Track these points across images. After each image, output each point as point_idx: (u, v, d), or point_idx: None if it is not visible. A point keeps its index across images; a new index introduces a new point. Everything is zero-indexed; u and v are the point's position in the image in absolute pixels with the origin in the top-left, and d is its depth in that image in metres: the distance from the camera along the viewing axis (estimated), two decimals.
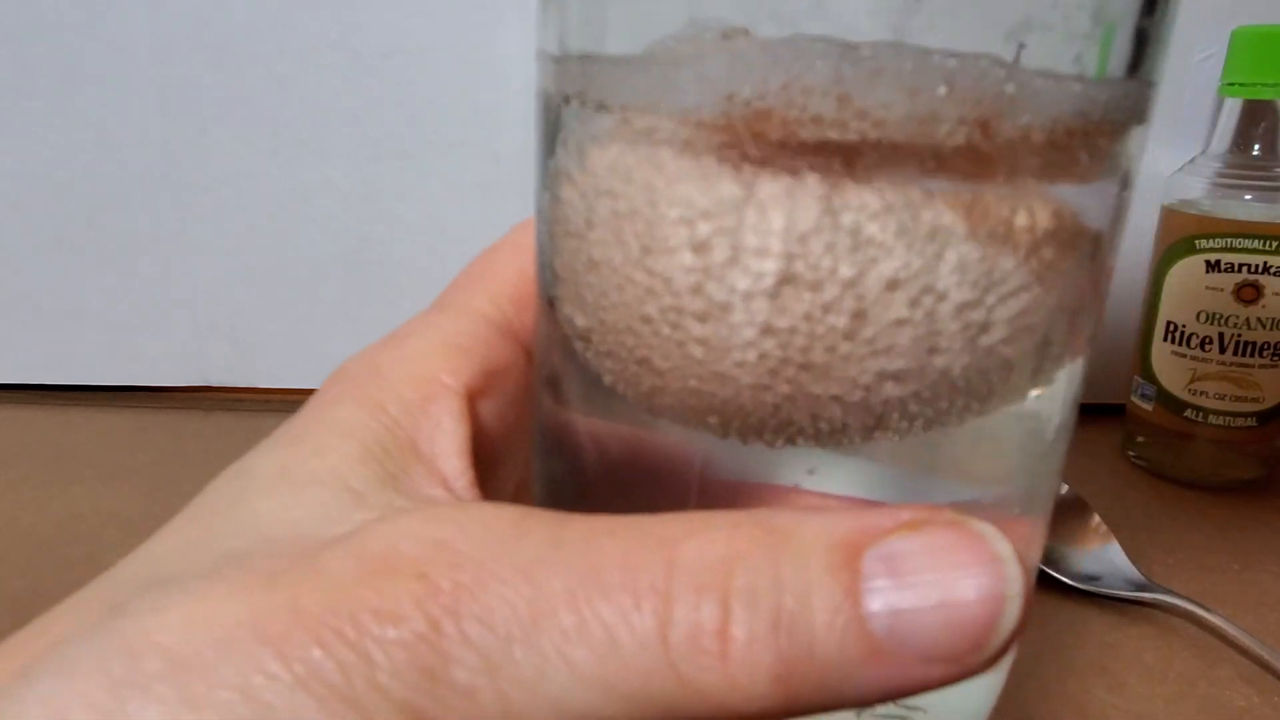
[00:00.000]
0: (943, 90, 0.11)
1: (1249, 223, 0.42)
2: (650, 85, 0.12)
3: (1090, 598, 0.36)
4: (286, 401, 0.43)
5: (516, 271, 0.17)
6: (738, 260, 0.12)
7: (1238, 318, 0.43)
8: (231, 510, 0.14)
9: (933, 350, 0.12)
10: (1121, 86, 0.12)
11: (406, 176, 0.50)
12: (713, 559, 0.11)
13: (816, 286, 0.11)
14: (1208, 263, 0.43)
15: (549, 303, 0.14)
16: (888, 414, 0.12)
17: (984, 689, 0.15)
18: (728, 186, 0.12)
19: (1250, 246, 0.42)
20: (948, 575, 0.10)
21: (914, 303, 0.12)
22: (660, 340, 0.12)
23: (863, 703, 0.11)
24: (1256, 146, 0.43)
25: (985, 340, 0.12)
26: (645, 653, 0.11)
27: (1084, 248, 0.13)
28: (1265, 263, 0.42)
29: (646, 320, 0.12)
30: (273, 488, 0.14)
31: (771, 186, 0.11)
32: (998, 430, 0.14)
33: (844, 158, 0.11)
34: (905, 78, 0.11)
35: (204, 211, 0.50)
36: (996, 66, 0.11)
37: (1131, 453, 0.49)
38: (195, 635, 0.11)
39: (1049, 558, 0.38)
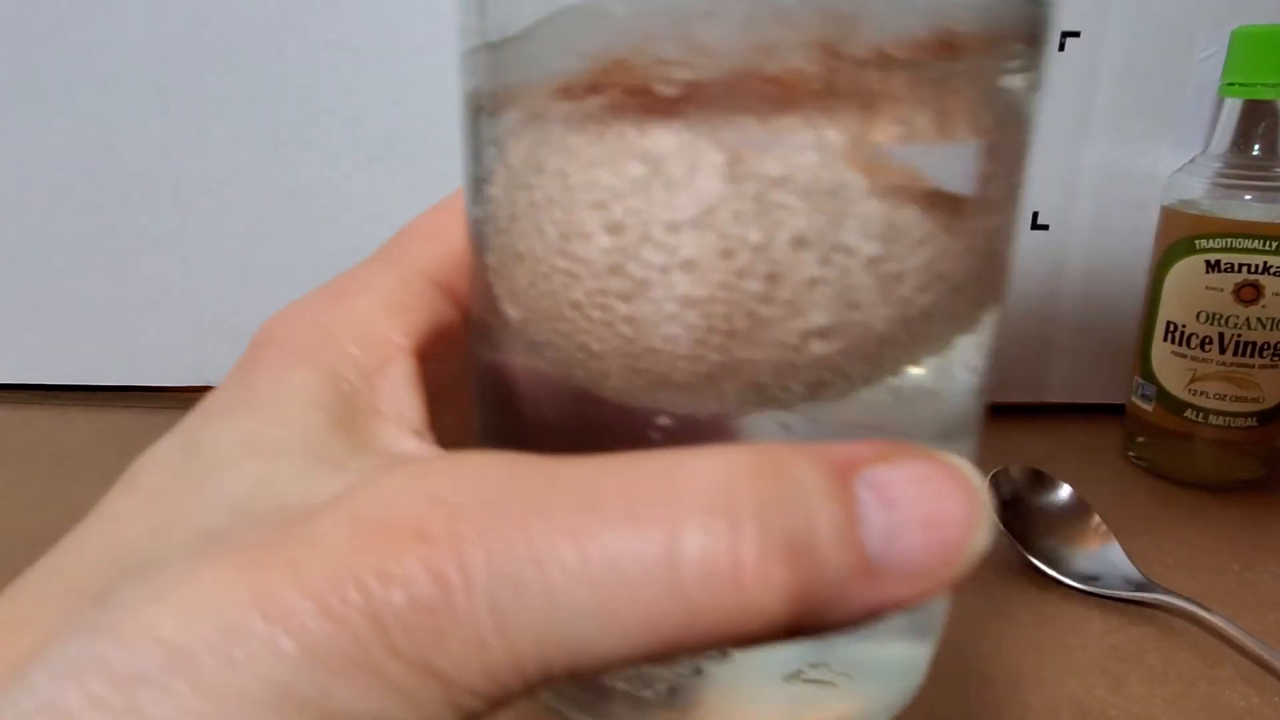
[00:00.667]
0: (784, 10, 0.11)
1: (1249, 223, 0.42)
2: (519, 61, 0.13)
3: (1090, 598, 0.36)
4: None
5: (458, 232, 0.16)
6: (650, 237, 0.12)
7: (1238, 318, 0.43)
8: (197, 486, 0.13)
9: (852, 305, 0.12)
10: (994, 6, 0.12)
11: (406, 176, 0.50)
12: (716, 483, 0.11)
13: (728, 255, 0.12)
14: (1208, 263, 0.43)
15: (485, 285, 0.15)
16: (820, 372, 0.13)
17: (915, 661, 0.16)
18: (634, 167, 0.12)
19: (1250, 246, 0.42)
20: (930, 500, 0.11)
21: (825, 261, 0.12)
22: (591, 323, 0.13)
23: (848, 624, 0.11)
24: (1256, 146, 0.43)
25: (901, 291, 0.12)
26: (653, 582, 0.11)
27: (984, 192, 0.13)
28: (1265, 263, 0.42)
29: (575, 305, 0.13)
30: (239, 460, 0.13)
31: (676, 162, 0.12)
32: (924, 382, 0.14)
33: (709, 100, 0.11)
34: (744, 8, 0.11)
35: (204, 211, 0.50)
36: None
37: (1131, 453, 0.49)
38: (197, 622, 0.11)
39: (1049, 558, 0.38)
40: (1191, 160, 0.45)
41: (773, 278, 0.12)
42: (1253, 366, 0.43)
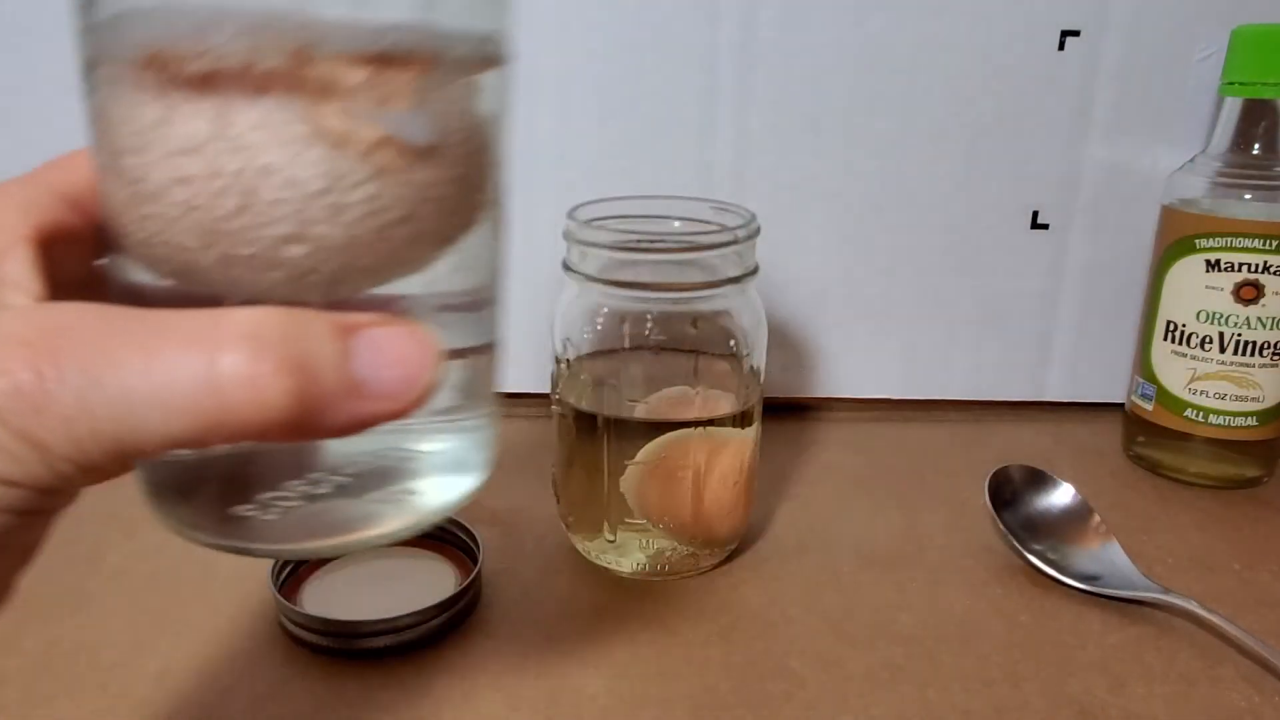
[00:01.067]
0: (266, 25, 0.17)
1: (1249, 222, 0.42)
2: (102, 40, 0.19)
3: (1090, 598, 0.36)
4: None
5: (79, 175, 0.21)
6: (166, 159, 0.17)
7: (1238, 317, 0.43)
8: None
9: (309, 222, 0.17)
10: (420, 29, 0.18)
11: None
12: (250, 323, 0.16)
13: (214, 175, 0.17)
14: (1208, 262, 0.43)
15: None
16: (309, 269, 0.18)
17: (468, 483, 0.22)
18: (152, 110, 0.17)
19: (1250, 246, 0.42)
20: (402, 349, 0.17)
21: (284, 187, 0.17)
22: (135, 220, 0.18)
23: (345, 428, 0.17)
24: (1256, 146, 0.43)
25: (346, 218, 0.17)
26: (199, 384, 0.15)
27: (430, 155, 0.18)
28: (1265, 262, 0.42)
29: (124, 205, 0.18)
30: None
31: (184, 109, 0.17)
32: (430, 284, 0.20)
33: (216, 81, 0.17)
34: (243, 20, 0.17)
35: None
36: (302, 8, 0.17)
37: (1131, 453, 0.49)
38: None
39: (1049, 558, 0.38)
40: (1191, 159, 0.45)
41: (247, 193, 0.17)
42: (1253, 366, 0.43)
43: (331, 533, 0.20)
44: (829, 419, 0.54)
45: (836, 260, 0.51)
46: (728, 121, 0.49)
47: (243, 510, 0.20)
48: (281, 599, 0.34)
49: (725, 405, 0.36)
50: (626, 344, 0.36)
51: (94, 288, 0.20)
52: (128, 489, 0.20)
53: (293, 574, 0.37)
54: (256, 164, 0.17)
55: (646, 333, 0.35)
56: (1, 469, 0.16)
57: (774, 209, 0.50)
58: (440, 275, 0.20)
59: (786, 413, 0.54)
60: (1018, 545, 0.38)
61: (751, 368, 0.37)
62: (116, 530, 0.40)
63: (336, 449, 0.20)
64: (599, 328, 0.36)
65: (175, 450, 0.17)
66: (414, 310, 0.20)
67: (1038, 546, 0.39)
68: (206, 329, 0.16)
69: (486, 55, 0.20)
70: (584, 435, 0.36)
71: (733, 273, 0.35)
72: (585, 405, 0.36)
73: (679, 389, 0.36)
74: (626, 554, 0.37)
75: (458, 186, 0.19)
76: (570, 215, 0.36)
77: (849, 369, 0.54)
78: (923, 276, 0.52)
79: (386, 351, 0.17)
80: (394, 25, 0.17)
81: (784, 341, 0.53)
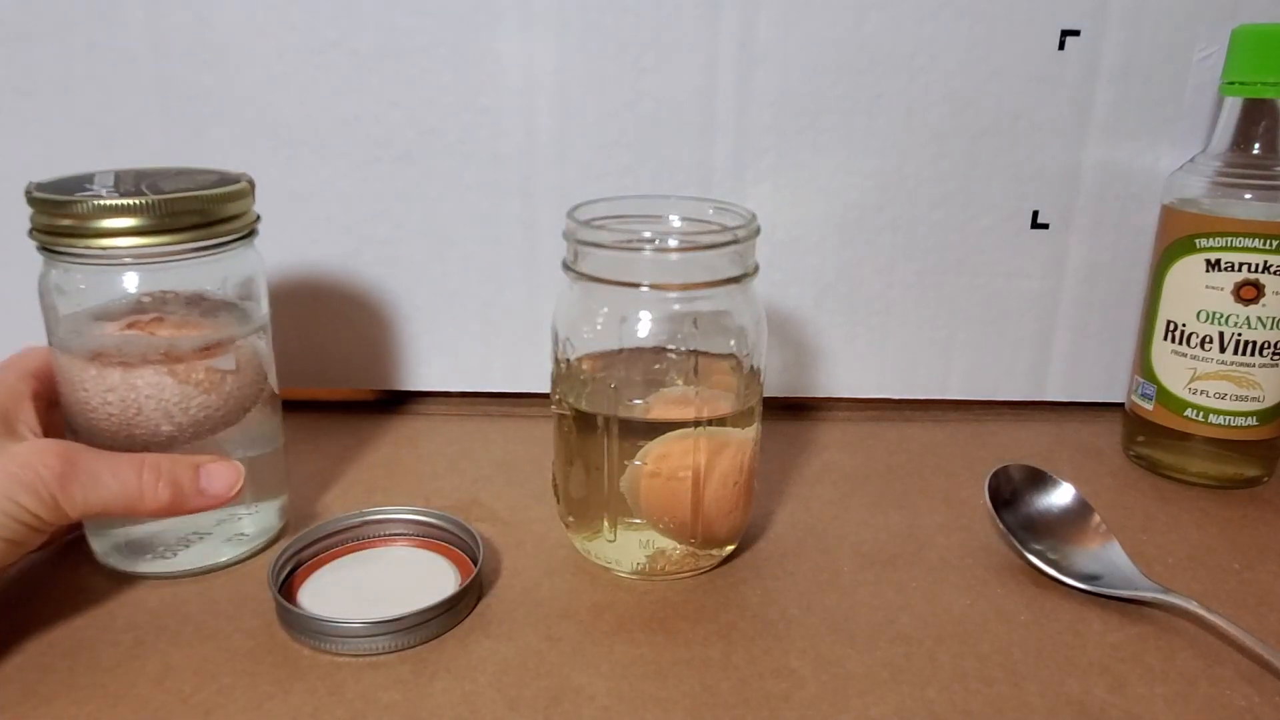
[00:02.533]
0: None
1: (1249, 221, 0.42)
2: (62, 342, 0.36)
3: (1090, 598, 0.36)
4: (285, 402, 0.43)
5: (44, 361, 0.38)
6: (99, 393, 0.35)
7: (1238, 317, 0.43)
8: None
9: (172, 417, 0.35)
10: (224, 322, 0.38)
11: (406, 176, 0.50)
12: (153, 460, 0.34)
13: (121, 400, 0.35)
14: (1208, 262, 0.43)
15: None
16: (173, 438, 0.36)
17: (274, 530, 0.41)
18: (93, 372, 0.35)
19: (1250, 246, 0.42)
20: (224, 473, 0.36)
21: (158, 403, 0.35)
22: (85, 422, 0.36)
23: (195, 511, 0.35)
24: (1256, 145, 0.43)
25: (193, 412, 0.36)
26: (134, 487, 0.33)
27: (229, 378, 0.36)
28: (1265, 262, 0.42)
29: (77, 411, 0.36)
30: None
31: (108, 371, 0.35)
32: (238, 435, 0.38)
33: (124, 363, 0.35)
34: (133, 340, 0.36)
35: None
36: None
37: (1131, 453, 0.49)
38: None
39: (1049, 558, 0.38)
40: (1191, 159, 0.45)
41: (139, 408, 0.35)
42: (1253, 366, 0.43)
43: (203, 560, 0.38)
44: (829, 419, 0.54)
45: (836, 260, 0.51)
46: (728, 121, 0.49)
47: (153, 556, 0.38)
48: (281, 599, 0.34)
49: (725, 405, 0.36)
50: (626, 344, 0.36)
51: (51, 427, 0.37)
52: None
53: (292, 574, 0.37)
54: (143, 395, 0.35)
55: (647, 333, 0.35)
56: (42, 513, 0.32)
57: (774, 209, 0.50)
58: (246, 422, 0.38)
59: (786, 413, 0.54)
60: (1018, 545, 0.38)
61: (751, 368, 0.37)
62: None
63: (200, 520, 0.38)
64: (599, 328, 0.36)
65: (111, 517, 0.36)
66: (229, 444, 0.37)
67: (1038, 546, 0.39)
68: (136, 462, 0.34)
69: (258, 325, 0.38)
70: (584, 435, 0.36)
71: (733, 273, 0.35)
72: (585, 405, 0.36)
73: (679, 389, 0.36)
74: (626, 554, 0.37)
75: (248, 388, 0.37)
76: (570, 215, 0.36)
77: (849, 369, 0.54)
78: (923, 276, 0.52)
79: (216, 474, 0.35)
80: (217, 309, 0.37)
81: (784, 341, 0.53)
